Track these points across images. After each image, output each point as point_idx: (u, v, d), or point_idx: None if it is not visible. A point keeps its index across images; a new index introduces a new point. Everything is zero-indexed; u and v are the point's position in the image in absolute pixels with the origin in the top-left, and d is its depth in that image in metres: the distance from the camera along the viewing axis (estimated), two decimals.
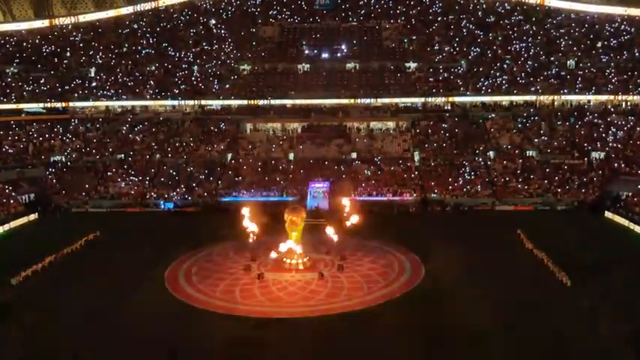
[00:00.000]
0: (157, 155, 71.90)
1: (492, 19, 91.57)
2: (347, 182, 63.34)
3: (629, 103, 76.43)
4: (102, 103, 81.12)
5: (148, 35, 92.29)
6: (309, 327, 30.62)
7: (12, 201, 60.73)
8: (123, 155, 71.91)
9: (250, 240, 41.45)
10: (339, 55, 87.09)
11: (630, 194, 58.08)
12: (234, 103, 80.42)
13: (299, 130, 77.18)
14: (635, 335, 28.41)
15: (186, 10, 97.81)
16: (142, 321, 31.51)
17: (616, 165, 65.63)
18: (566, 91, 77.49)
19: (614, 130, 71.47)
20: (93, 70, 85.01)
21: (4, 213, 57.40)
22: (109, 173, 68.61)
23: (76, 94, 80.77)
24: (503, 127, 74.84)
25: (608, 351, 27.28)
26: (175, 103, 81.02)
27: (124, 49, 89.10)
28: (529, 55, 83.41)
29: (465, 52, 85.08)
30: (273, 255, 39.95)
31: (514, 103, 78.69)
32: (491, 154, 69.94)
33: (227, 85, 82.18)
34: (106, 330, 30.27)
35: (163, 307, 33.61)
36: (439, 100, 79.19)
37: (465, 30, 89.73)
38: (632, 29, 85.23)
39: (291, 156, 71.78)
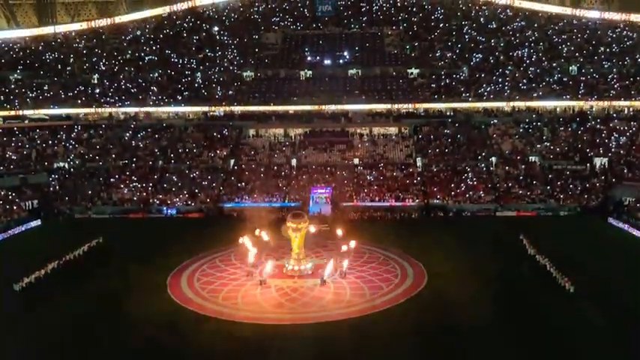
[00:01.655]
0: (160, 161, 72.07)
1: (494, 25, 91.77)
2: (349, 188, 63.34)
3: (631, 109, 76.33)
4: (105, 110, 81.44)
5: (151, 42, 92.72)
6: (311, 333, 30.54)
7: (15, 207, 61.01)
8: (126, 161, 72.10)
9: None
10: (341, 61, 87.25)
11: (633, 200, 58.03)
12: (237, 109, 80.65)
13: (301, 136, 77.39)
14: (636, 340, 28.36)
15: (189, 17, 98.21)
16: (145, 327, 31.46)
17: (619, 170, 65.56)
18: (568, 96, 77.51)
19: (616, 135, 71.42)
20: (96, 76, 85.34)
21: (7, 219, 57.57)
22: (111, 179, 68.76)
23: (79, 101, 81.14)
24: (506, 132, 74.82)
25: (609, 357, 27.20)
26: (178, 109, 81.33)
27: (127, 56, 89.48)
28: (531, 61, 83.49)
29: (467, 58, 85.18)
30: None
31: (516, 109, 78.71)
32: (493, 159, 69.87)
33: (230, 92, 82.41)
34: (108, 336, 30.28)
35: (166, 313, 33.56)
36: (441, 106, 79.32)
37: (466, 36, 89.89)
38: (634, 35, 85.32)
39: (294, 162, 71.89)
